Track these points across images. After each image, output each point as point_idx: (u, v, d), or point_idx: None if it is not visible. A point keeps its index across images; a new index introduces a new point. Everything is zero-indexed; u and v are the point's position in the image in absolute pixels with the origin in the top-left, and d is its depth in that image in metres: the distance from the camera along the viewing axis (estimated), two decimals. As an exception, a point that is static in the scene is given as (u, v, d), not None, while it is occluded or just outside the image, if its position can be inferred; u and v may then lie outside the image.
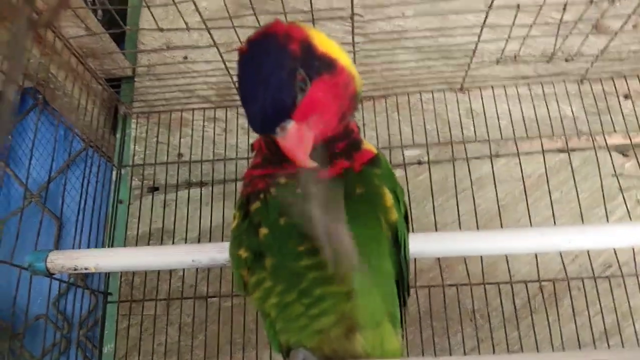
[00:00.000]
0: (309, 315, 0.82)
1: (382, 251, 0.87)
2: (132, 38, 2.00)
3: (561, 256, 1.61)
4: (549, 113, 1.76)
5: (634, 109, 1.76)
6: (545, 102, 1.78)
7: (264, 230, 0.84)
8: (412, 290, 1.54)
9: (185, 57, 1.92)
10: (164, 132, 1.87)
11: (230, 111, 1.86)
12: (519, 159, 1.71)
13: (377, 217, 0.86)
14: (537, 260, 1.59)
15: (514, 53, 1.63)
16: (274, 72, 0.74)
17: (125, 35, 2.01)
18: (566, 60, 1.70)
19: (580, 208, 1.63)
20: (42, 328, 1.85)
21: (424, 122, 1.78)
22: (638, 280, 1.58)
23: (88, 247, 1.72)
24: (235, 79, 0.81)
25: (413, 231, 1.10)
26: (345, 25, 1.76)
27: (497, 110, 1.78)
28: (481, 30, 1.46)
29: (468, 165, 1.70)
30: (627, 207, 1.64)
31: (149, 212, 1.78)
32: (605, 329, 1.55)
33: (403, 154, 1.76)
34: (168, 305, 1.68)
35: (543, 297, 1.59)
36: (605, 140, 1.73)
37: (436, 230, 1.63)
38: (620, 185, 1.67)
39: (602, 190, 1.65)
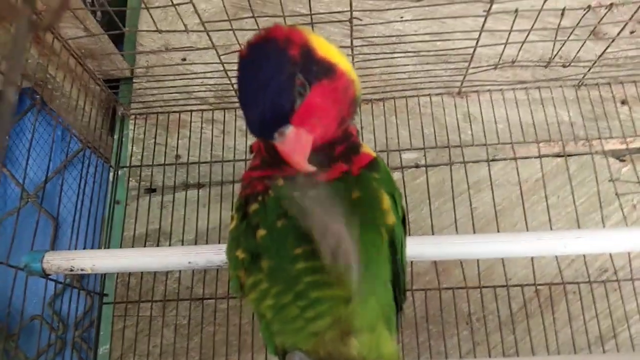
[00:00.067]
0: (305, 317, 0.82)
1: (380, 255, 0.87)
2: (131, 39, 2.00)
3: (557, 260, 1.61)
4: (546, 118, 1.77)
5: (631, 115, 1.77)
6: (543, 107, 1.79)
7: (261, 232, 0.84)
8: (408, 294, 1.55)
9: (184, 59, 1.92)
10: (162, 134, 1.87)
11: (228, 113, 1.86)
12: (516, 163, 1.72)
13: (375, 220, 0.86)
14: (533, 264, 1.59)
15: (512, 58, 1.63)
16: (273, 76, 0.75)
17: (124, 37, 2.01)
18: (564, 66, 1.71)
19: (576, 213, 1.64)
20: (37, 329, 1.85)
21: (422, 126, 1.79)
22: (634, 285, 1.59)
23: (84, 248, 1.71)
24: (233, 81, 0.81)
25: (410, 234, 1.10)
26: (344, 29, 1.77)
27: (494, 115, 1.79)
28: (479, 34, 1.46)
29: (465, 169, 1.71)
30: (623, 212, 1.64)
31: (146, 214, 1.78)
32: (600, 333, 1.55)
33: (400, 157, 1.76)
34: (164, 307, 1.67)
35: (539, 301, 1.60)
36: (602, 145, 1.74)
37: (433, 233, 1.64)
38: (616, 191, 1.68)
39: (599, 195, 1.65)
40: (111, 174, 1.86)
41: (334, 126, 0.83)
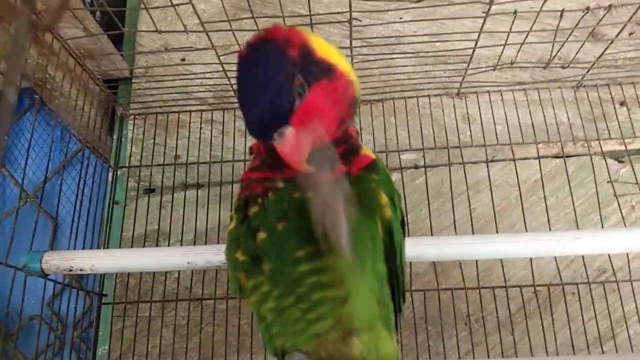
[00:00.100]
0: (306, 319, 0.82)
1: (378, 255, 0.87)
2: (130, 39, 2.00)
3: (556, 261, 1.61)
4: (545, 119, 1.77)
5: (630, 116, 1.77)
6: (542, 108, 1.79)
7: (262, 235, 0.84)
8: (407, 294, 1.55)
9: (183, 59, 1.92)
10: (161, 134, 1.87)
11: (228, 113, 1.86)
12: (515, 164, 1.72)
13: (374, 222, 0.87)
14: (532, 265, 1.60)
15: (511, 59, 1.64)
16: (273, 77, 0.75)
17: (124, 37, 2.01)
18: (562, 67, 1.71)
19: (575, 214, 1.64)
20: (36, 329, 1.85)
21: (421, 127, 1.79)
22: (632, 286, 1.59)
23: (83, 248, 1.71)
24: (233, 81, 0.81)
25: (409, 235, 1.10)
26: (343, 30, 1.77)
27: (493, 116, 1.79)
28: (478, 36, 1.46)
29: (464, 169, 1.71)
30: (622, 213, 1.65)
31: (145, 214, 1.78)
32: (599, 334, 1.55)
33: (400, 158, 1.76)
34: (163, 307, 1.67)
35: (538, 302, 1.60)
36: (600, 146, 1.74)
37: (432, 234, 1.64)
38: (615, 192, 1.68)
39: (597, 196, 1.66)
40: (110, 174, 1.86)
41: (334, 127, 0.83)
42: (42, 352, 1.83)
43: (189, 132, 1.86)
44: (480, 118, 1.79)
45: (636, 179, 1.71)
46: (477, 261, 1.61)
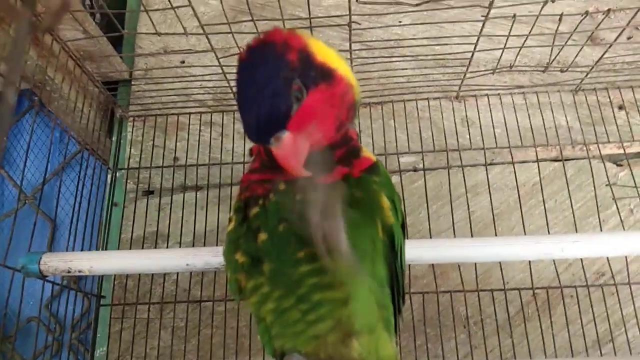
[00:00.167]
0: (306, 320, 0.82)
1: (378, 257, 0.87)
2: (130, 42, 2.00)
3: (555, 264, 1.61)
4: (543, 122, 1.77)
5: (628, 120, 1.77)
6: (540, 112, 1.79)
7: (262, 236, 0.84)
8: (406, 297, 1.55)
9: (183, 62, 1.92)
10: (160, 136, 1.87)
11: (227, 116, 1.87)
12: (514, 167, 1.73)
13: (374, 223, 0.87)
14: (530, 268, 1.60)
15: (510, 63, 1.64)
16: (271, 81, 0.75)
17: (123, 39, 2.02)
18: (561, 71, 1.72)
19: (574, 217, 1.65)
20: (34, 331, 1.84)
21: (420, 130, 1.79)
22: (631, 289, 1.59)
23: (82, 249, 1.71)
24: (232, 84, 0.81)
25: (408, 237, 1.10)
26: (342, 33, 1.77)
27: (492, 119, 1.80)
28: (477, 39, 1.47)
29: (463, 172, 1.71)
30: (620, 216, 1.65)
31: (144, 216, 1.78)
32: (597, 337, 1.55)
33: (399, 161, 1.77)
34: (161, 309, 1.67)
35: (536, 305, 1.60)
36: (599, 150, 1.74)
37: (431, 237, 1.64)
38: (613, 195, 1.69)
39: (596, 200, 1.66)
40: (109, 176, 1.86)
41: (332, 131, 0.83)
42: (40, 353, 1.82)
43: (188, 134, 1.86)
44: (479, 121, 1.79)
45: (635, 182, 1.72)
46: (475, 264, 1.61)
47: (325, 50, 0.81)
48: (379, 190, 0.88)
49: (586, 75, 1.72)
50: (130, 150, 1.87)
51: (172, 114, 1.89)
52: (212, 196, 1.77)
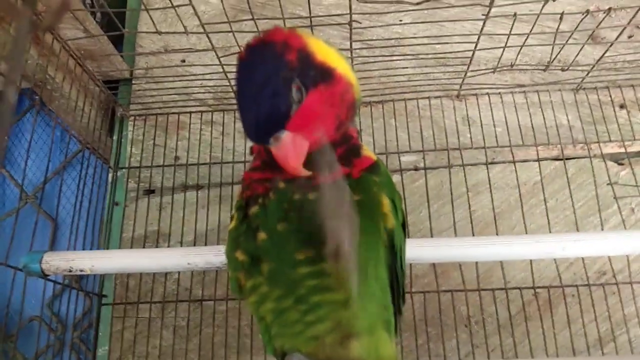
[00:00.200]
0: (305, 321, 0.82)
1: (379, 258, 0.87)
2: (131, 41, 2.00)
3: (556, 263, 1.61)
4: (544, 121, 1.77)
5: (629, 119, 1.77)
6: (541, 111, 1.79)
7: (262, 235, 0.84)
8: (407, 296, 1.55)
9: (183, 61, 1.92)
10: (161, 135, 1.88)
11: (228, 115, 1.87)
12: (515, 166, 1.72)
13: (375, 223, 0.87)
14: (532, 267, 1.60)
15: (511, 61, 1.64)
16: (270, 81, 0.75)
17: (124, 38, 2.02)
18: (562, 70, 1.72)
19: (575, 216, 1.65)
20: (36, 330, 1.85)
21: (421, 129, 1.79)
22: (632, 288, 1.59)
23: (83, 248, 1.71)
24: (233, 83, 0.81)
25: (409, 237, 1.10)
26: (343, 32, 1.77)
27: (493, 118, 1.79)
28: (478, 38, 1.46)
29: (464, 171, 1.71)
30: (621, 215, 1.65)
31: (145, 215, 1.78)
32: (599, 336, 1.55)
33: (399, 160, 1.76)
34: (163, 308, 1.67)
35: (538, 304, 1.60)
36: (600, 149, 1.74)
37: (432, 236, 1.64)
38: (615, 194, 1.68)
39: (597, 199, 1.66)
40: (110, 175, 1.86)
41: (332, 131, 0.83)
42: (42, 353, 1.83)
43: (189, 133, 1.86)
44: (480, 120, 1.79)
45: (636, 182, 1.71)
46: (477, 263, 1.61)
47: (325, 50, 0.81)
48: (380, 190, 0.88)
49: (587, 74, 1.71)
50: (131, 149, 1.87)
51: (173, 113, 1.89)
52: (213, 195, 1.77)
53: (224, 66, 1.57)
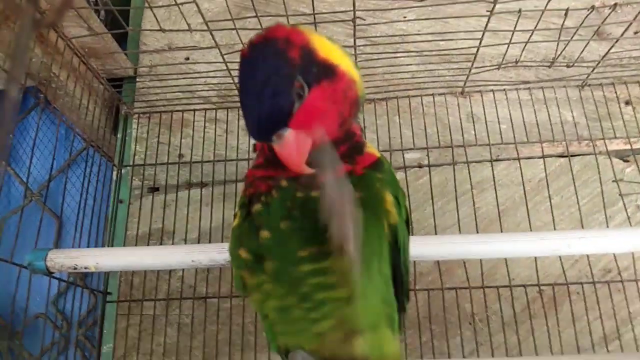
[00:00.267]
0: (309, 319, 0.82)
1: (382, 254, 0.87)
2: (135, 38, 2.01)
3: (561, 261, 1.61)
4: (549, 118, 1.76)
5: (635, 115, 1.76)
6: (546, 107, 1.78)
7: (265, 234, 0.84)
8: (411, 294, 1.54)
9: (187, 58, 1.92)
10: (165, 133, 1.88)
11: (232, 112, 1.87)
12: (520, 163, 1.72)
13: (378, 220, 0.86)
14: (536, 264, 1.59)
15: (515, 58, 1.63)
16: (272, 78, 0.74)
17: (128, 36, 2.02)
18: (567, 66, 1.71)
19: (580, 213, 1.64)
20: (41, 327, 1.85)
21: (425, 126, 1.79)
22: (638, 286, 1.58)
23: (88, 246, 1.72)
24: (236, 80, 0.81)
25: (413, 234, 1.10)
26: (347, 29, 1.77)
27: (497, 115, 1.79)
28: (482, 34, 1.46)
29: (468, 168, 1.71)
30: (627, 212, 1.64)
31: (149, 212, 1.78)
32: (604, 334, 1.55)
33: (403, 157, 1.76)
34: (167, 306, 1.68)
35: (542, 302, 1.59)
36: (605, 145, 1.73)
37: (436, 233, 1.64)
38: (620, 191, 1.68)
39: (603, 196, 1.65)
40: (114, 173, 1.86)
41: (335, 128, 0.83)
42: (47, 350, 1.83)
43: (193, 130, 1.86)
44: (485, 117, 1.79)
45: (641, 178, 1.70)
46: (481, 260, 1.60)
47: (328, 46, 0.81)
48: (383, 187, 0.88)
49: (592, 71, 1.70)
50: (135, 147, 1.87)
51: (177, 110, 1.89)
52: (217, 193, 1.77)
53: (228, 64, 1.57)
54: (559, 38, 1.48)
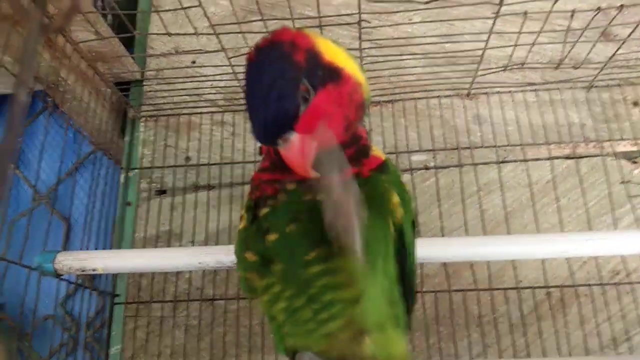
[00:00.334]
0: (317, 320, 0.82)
1: (388, 255, 0.87)
2: (141, 42, 2.02)
3: (569, 263, 1.60)
4: (556, 120, 1.76)
5: (642, 116, 1.75)
6: (553, 109, 1.78)
7: (272, 237, 0.84)
8: (418, 296, 1.54)
9: (194, 62, 1.93)
10: (172, 136, 1.89)
11: (238, 115, 1.88)
12: (526, 165, 1.71)
13: (384, 222, 0.86)
14: (544, 266, 1.59)
15: (521, 60, 1.63)
16: (277, 82, 0.74)
17: (135, 40, 2.03)
18: (574, 68, 1.70)
19: (587, 215, 1.63)
20: (50, 328, 1.86)
21: (431, 128, 1.79)
22: (646, 288, 1.57)
23: (96, 248, 1.73)
24: (242, 83, 0.81)
25: (419, 236, 1.10)
26: (352, 32, 1.77)
27: (504, 117, 1.78)
28: (488, 36, 1.46)
29: (475, 171, 1.71)
30: (635, 214, 1.63)
31: (157, 215, 1.79)
32: (613, 336, 1.54)
33: (410, 159, 1.76)
34: (175, 307, 1.68)
35: (550, 304, 1.58)
36: (612, 147, 1.72)
37: (443, 235, 1.63)
38: (628, 193, 1.67)
39: (610, 198, 1.64)
40: (122, 176, 1.87)
41: (340, 131, 0.83)
42: (55, 351, 1.84)
43: (200, 133, 1.87)
44: (491, 119, 1.78)
45: (649, 180, 1.69)
46: (488, 262, 1.60)
47: (333, 49, 0.81)
48: (389, 189, 0.88)
49: (599, 72, 1.70)
50: (142, 150, 1.88)
51: (184, 114, 1.90)
52: (224, 195, 1.78)
53: (234, 67, 1.58)
54: (565, 40, 1.48)
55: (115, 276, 1.75)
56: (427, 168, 1.78)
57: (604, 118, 1.76)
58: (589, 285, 1.59)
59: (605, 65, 1.65)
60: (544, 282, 1.58)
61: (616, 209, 1.65)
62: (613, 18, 1.39)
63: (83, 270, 1.27)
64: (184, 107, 1.89)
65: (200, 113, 1.89)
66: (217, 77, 1.73)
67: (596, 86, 1.79)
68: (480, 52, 1.55)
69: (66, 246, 1.98)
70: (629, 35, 1.48)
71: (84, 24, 1.56)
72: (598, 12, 1.36)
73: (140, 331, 1.68)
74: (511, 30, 1.49)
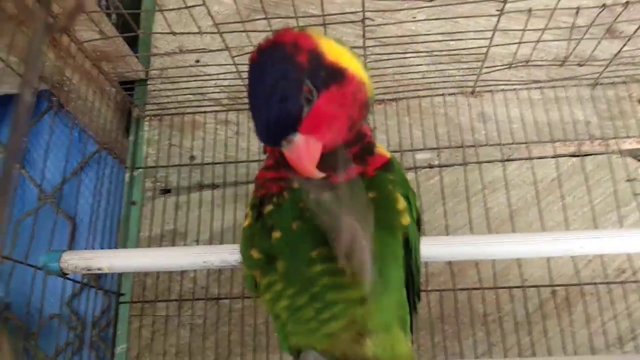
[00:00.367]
0: (320, 319, 0.82)
1: (394, 256, 0.87)
2: (146, 41, 2.02)
3: (574, 261, 1.59)
4: (561, 117, 1.75)
5: (648, 114, 1.74)
6: (558, 107, 1.77)
7: (276, 234, 0.84)
8: (423, 294, 1.54)
9: (198, 61, 1.93)
10: (177, 135, 1.89)
11: (242, 114, 1.88)
12: (531, 163, 1.71)
13: (390, 221, 0.86)
14: (549, 265, 1.58)
15: (526, 57, 1.62)
16: (280, 83, 0.74)
17: (139, 39, 2.03)
18: (579, 65, 1.69)
19: (593, 213, 1.63)
20: (56, 328, 1.87)
21: (435, 126, 1.78)
22: (652, 286, 1.56)
23: (101, 247, 1.73)
24: (246, 82, 0.81)
25: (424, 235, 1.10)
26: (356, 29, 1.77)
27: (508, 114, 1.78)
28: (493, 34, 1.45)
29: (480, 169, 1.70)
30: (640, 212, 1.62)
31: (161, 214, 1.80)
32: (619, 335, 1.53)
33: (414, 158, 1.76)
34: (179, 307, 1.69)
35: (555, 302, 1.58)
36: (618, 145, 1.71)
37: (447, 234, 1.63)
38: (634, 190, 1.66)
39: (616, 195, 1.63)
40: (127, 175, 1.88)
41: (344, 131, 0.83)
42: (61, 350, 1.85)
43: (204, 132, 1.88)
44: (496, 117, 1.78)
45: (656, 178, 1.68)
46: (493, 261, 1.59)
47: (336, 49, 0.81)
48: (394, 188, 0.88)
49: (604, 69, 1.69)
50: (147, 149, 1.88)
51: (188, 113, 1.90)
52: (229, 194, 1.78)
53: (238, 66, 1.58)
54: (570, 37, 1.47)
55: (120, 275, 1.76)
56: (431, 166, 1.77)
57: (610, 115, 1.75)
58: (595, 283, 1.58)
59: (610, 62, 1.64)
60: (549, 281, 1.58)
61: (622, 206, 1.64)
62: (618, 15, 1.38)
63: (88, 270, 1.28)
64: (188, 106, 1.89)
65: (205, 112, 1.89)
66: (221, 76, 1.73)
67: (601, 83, 1.78)
68: (484, 50, 1.55)
69: (71, 245, 1.99)
70: (634, 32, 1.47)
71: (88, 23, 1.56)
72: (603, 9, 1.36)
73: (145, 330, 1.68)
74: (516, 28, 1.49)
